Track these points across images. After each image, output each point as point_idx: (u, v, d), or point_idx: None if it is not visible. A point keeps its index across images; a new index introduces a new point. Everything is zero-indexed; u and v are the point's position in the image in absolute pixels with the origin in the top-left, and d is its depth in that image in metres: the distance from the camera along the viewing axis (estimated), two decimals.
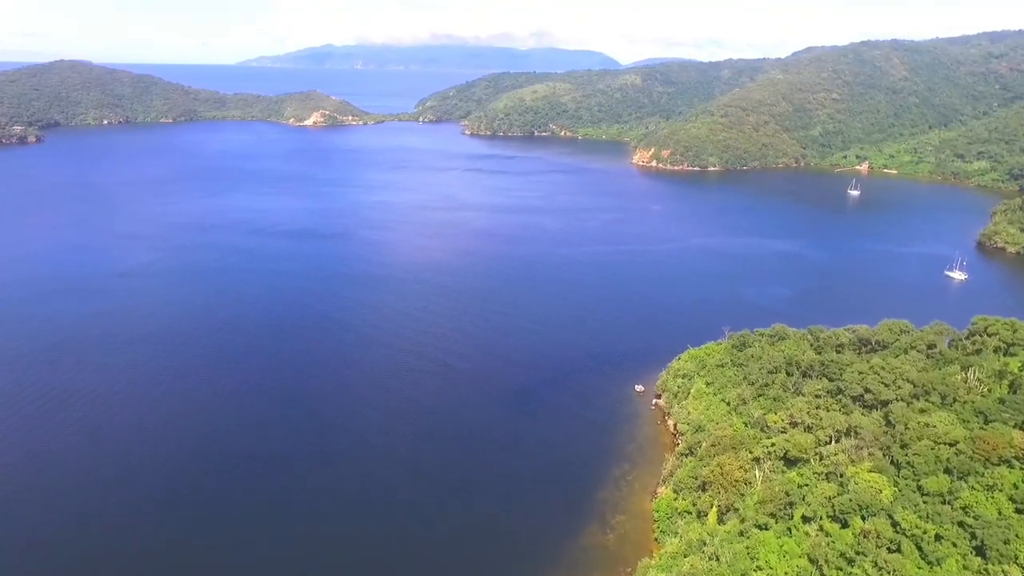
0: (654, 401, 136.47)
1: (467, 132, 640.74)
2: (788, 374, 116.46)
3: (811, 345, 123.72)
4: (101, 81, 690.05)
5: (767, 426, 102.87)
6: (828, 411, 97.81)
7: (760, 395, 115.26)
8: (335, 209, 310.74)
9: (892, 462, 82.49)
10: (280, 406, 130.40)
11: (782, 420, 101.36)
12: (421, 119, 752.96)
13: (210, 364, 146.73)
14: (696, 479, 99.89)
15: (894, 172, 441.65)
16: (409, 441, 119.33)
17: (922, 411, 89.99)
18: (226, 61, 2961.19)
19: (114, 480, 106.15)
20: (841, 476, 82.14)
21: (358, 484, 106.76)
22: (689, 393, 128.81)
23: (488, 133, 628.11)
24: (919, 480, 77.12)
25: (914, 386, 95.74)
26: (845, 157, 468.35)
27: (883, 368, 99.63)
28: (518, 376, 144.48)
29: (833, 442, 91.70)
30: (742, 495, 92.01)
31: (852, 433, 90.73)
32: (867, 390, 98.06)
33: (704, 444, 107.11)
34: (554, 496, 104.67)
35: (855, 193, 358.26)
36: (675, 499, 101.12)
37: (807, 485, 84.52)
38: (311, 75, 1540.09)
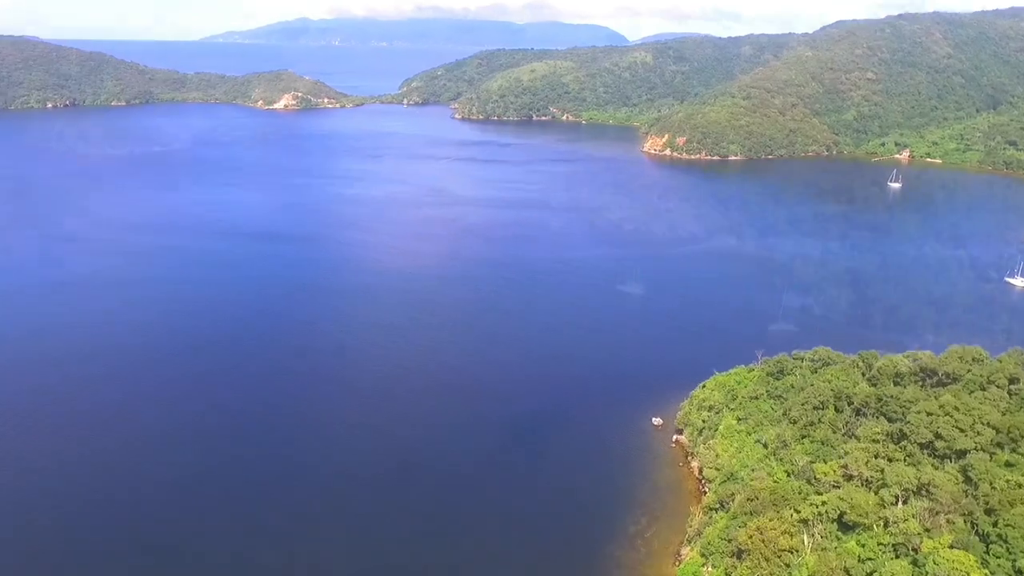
0: (675, 437, 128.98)
1: (457, 116, 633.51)
2: (837, 410, 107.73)
3: (863, 375, 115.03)
4: (46, 59, 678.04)
5: (815, 478, 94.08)
6: (891, 461, 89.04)
7: (804, 436, 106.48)
8: (307, 204, 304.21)
9: (977, 533, 73.86)
10: (245, 434, 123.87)
11: (834, 471, 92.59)
12: (406, 101, 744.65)
13: (166, 385, 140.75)
14: (730, 542, 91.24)
15: (938, 161, 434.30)
16: (393, 476, 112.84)
17: (1009, 465, 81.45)
18: (189, 37, 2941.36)
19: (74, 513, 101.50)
20: (915, 551, 73.43)
21: (335, 528, 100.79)
22: (717, 430, 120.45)
23: (481, 117, 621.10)
24: (1015, 560, 68.47)
25: (997, 432, 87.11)
26: (883, 144, 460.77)
27: (957, 408, 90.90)
28: (518, 400, 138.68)
29: (900, 503, 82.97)
30: (788, 567, 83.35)
31: (924, 492, 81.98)
32: (938, 436, 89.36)
33: (738, 498, 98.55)
34: (559, 555, 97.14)
35: (896, 186, 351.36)
36: (703, 565, 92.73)
37: (872, 560, 75.83)
38: (283, 52, 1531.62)
